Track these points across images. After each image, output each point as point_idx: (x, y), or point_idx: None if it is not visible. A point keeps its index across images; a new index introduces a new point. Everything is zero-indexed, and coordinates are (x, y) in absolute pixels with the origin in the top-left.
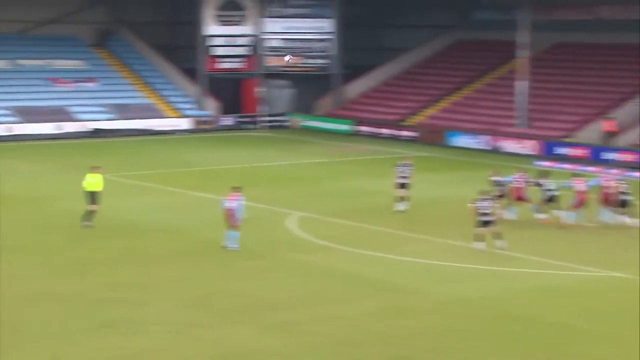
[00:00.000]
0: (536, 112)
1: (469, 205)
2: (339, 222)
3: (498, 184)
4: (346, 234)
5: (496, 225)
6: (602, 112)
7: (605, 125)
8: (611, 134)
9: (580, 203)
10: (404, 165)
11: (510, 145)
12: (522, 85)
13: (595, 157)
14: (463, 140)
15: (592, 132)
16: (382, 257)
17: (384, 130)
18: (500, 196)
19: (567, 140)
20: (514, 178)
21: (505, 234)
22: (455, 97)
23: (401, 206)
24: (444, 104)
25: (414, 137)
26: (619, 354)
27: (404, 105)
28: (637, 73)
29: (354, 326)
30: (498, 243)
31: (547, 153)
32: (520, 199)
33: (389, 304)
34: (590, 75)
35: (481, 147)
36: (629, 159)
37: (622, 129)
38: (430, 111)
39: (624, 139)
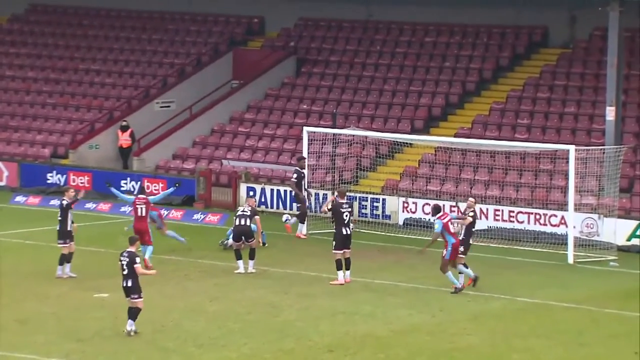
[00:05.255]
0: (6, 118)
1: None
2: None
3: None
4: None
5: None
6: (114, 117)
7: (120, 137)
8: (127, 151)
9: None
10: None
11: None
12: None
13: (104, 188)
14: None
15: (104, 147)
16: None
17: None
18: None
19: (58, 162)
20: None
21: None
22: None
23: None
24: None
25: None
26: None
27: None
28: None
29: None
30: None
31: (27, 184)
32: None
33: None
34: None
35: None
36: (152, 190)
37: (141, 143)
38: None
39: (150, 158)
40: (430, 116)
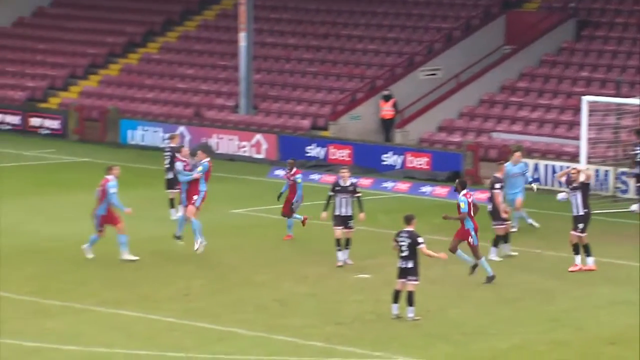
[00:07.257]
0: (266, 87)
1: None
2: None
3: None
4: None
5: None
6: (376, 87)
7: (382, 107)
8: (389, 122)
9: None
10: None
11: (228, 145)
12: (244, 42)
13: (365, 162)
14: (144, 135)
15: (365, 119)
16: None
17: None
18: None
19: (318, 134)
20: None
21: None
22: (126, 61)
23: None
24: (105, 72)
25: (59, 129)
26: None
27: (36, 74)
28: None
29: None
30: None
31: (285, 157)
32: None
33: None
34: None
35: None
36: (415, 165)
37: (403, 115)
38: (85, 84)
39: (413, 131)
40: None
